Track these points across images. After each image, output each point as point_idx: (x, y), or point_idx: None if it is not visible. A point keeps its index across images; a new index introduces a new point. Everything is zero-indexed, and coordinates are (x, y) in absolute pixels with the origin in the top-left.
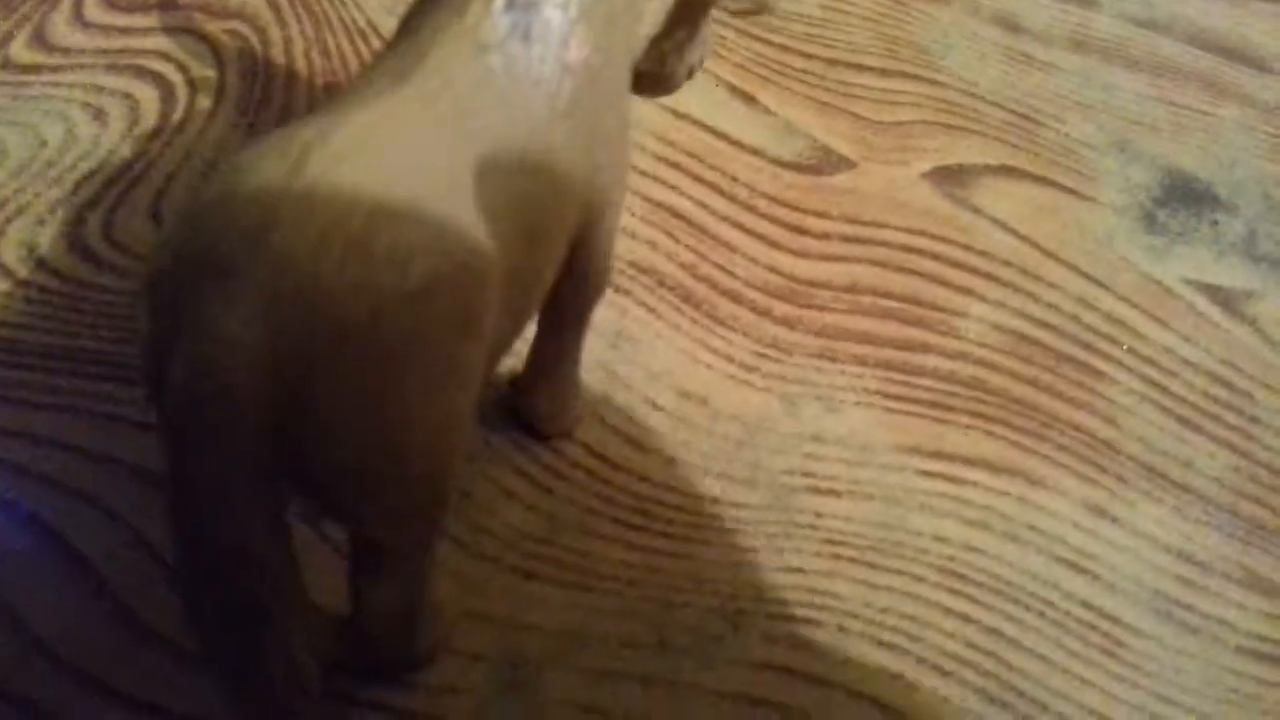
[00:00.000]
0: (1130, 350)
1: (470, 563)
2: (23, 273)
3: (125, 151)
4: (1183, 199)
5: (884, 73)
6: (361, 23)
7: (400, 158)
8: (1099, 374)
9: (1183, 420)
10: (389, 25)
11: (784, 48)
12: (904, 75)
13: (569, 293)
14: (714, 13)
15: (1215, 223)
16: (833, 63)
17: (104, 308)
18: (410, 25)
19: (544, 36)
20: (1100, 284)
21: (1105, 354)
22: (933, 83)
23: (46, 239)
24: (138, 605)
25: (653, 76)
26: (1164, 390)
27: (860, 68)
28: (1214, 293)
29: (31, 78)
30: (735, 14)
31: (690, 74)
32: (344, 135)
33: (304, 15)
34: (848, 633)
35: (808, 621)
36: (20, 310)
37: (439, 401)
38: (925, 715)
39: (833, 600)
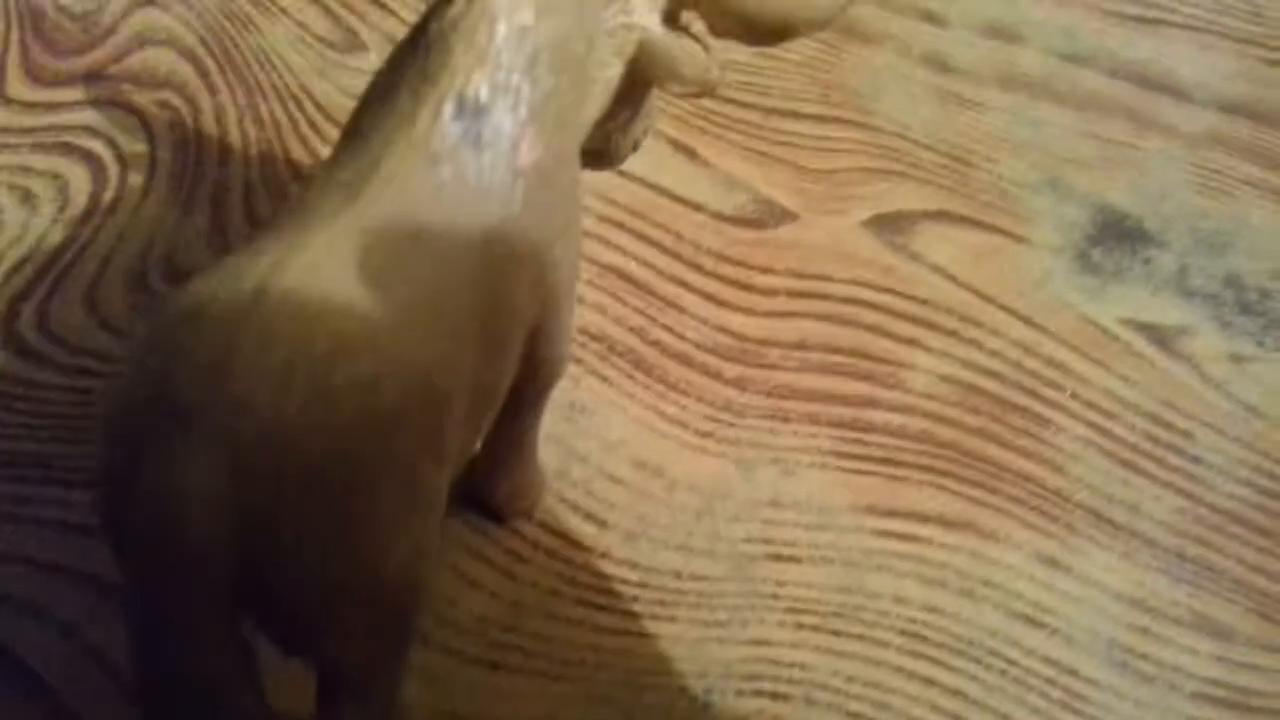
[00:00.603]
0: (1073, 395)
1: (436, 658)
2: None
3: (56, 237)
4: (1115, 236)
5: (820, 119)
6: (294, 87)
7: (357, 286)
8: (1044, 421)
9: (1127, 464)
10: (321, 89)
11: (721, 98)
12: (839, 121)
13: (526, 379)
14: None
15: (1147, 260)
16: (769, 111)
17: (43, 406)
18: (359, 129)
19: (495, 143)
20: (1040, 328)
21: (1049, 400)
22: (866, 127)
23: None
24: (89, 717)
25: (597, 153)
26: (1107, 434)
27: (796, 115)
28: (1150, 331)
29: None
30: (679, 96)
31: (635, 148)
32: (298, 266)
33: (235, 82)
34: (815, 704)
35: (775, 696)
36: None
37: (407, 528)
38: None
39: (799, 672)
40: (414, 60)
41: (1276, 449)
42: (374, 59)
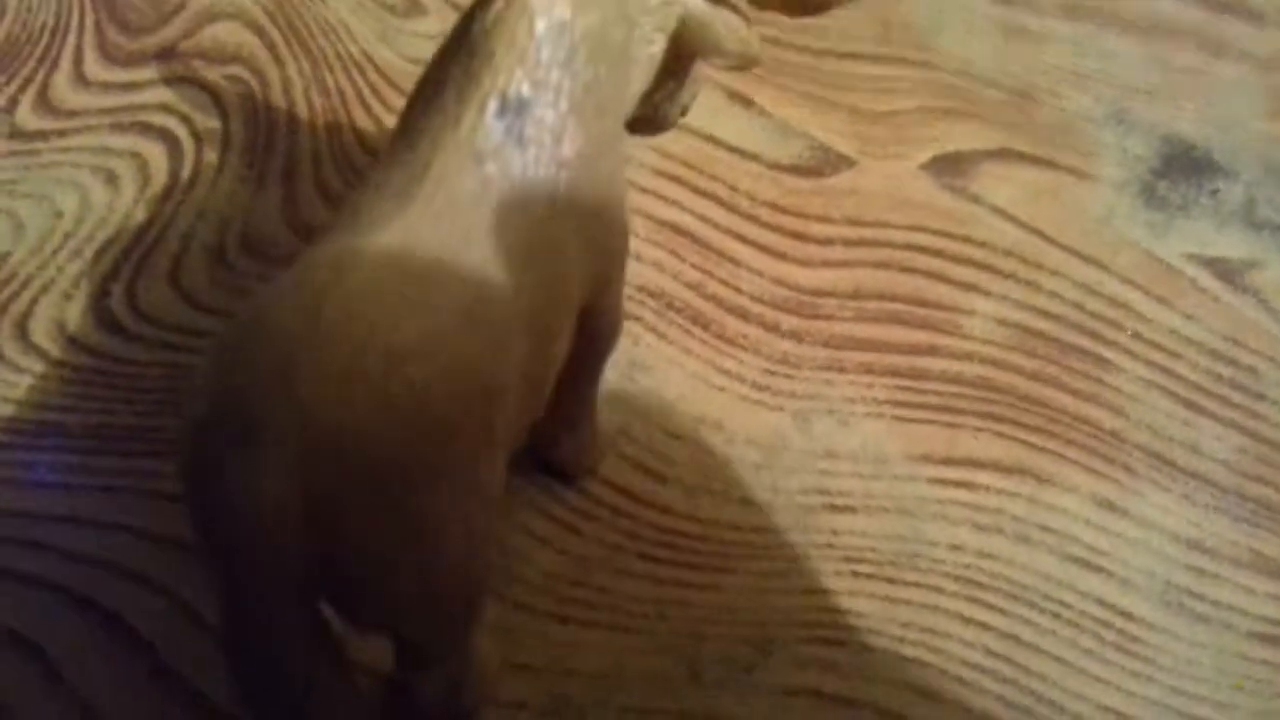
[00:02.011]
0: (1135, 335)
1: (507, 613)
2: (55, 352)
3: (139, 216)
4: (1182, 169)
5: (877, 59)
6: (357, 55)
7: (410, 294)
8: (1105, 362)
9: (1189, 404)
10: (382, 55)
11: (776, 41)
12: (898, 60)
13: (582, 351)
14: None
15: (1215, 191)
16: (827, 53)
17: (137, 381)
18: (408, 131)
19: (538, 137)
20: (1102, 267)
21: (1110, 341)
22: (926, 65)
23: (74, 315)
24: (195, 678)
25: (647, 120)
26: (1169, 374)
27: (854, 56)
28: (1216, 266)
29: (40, 145)
30: (721, 69)
31: (684, 113)
32: (354, 279)
33: (300, 53)
34: (871, 650)
35: (833, 643)
36: (57, 391)
37: (465, 518)
38: None
39: (855, 619)
40: (457, 60)
41: None
42: (433, 23)
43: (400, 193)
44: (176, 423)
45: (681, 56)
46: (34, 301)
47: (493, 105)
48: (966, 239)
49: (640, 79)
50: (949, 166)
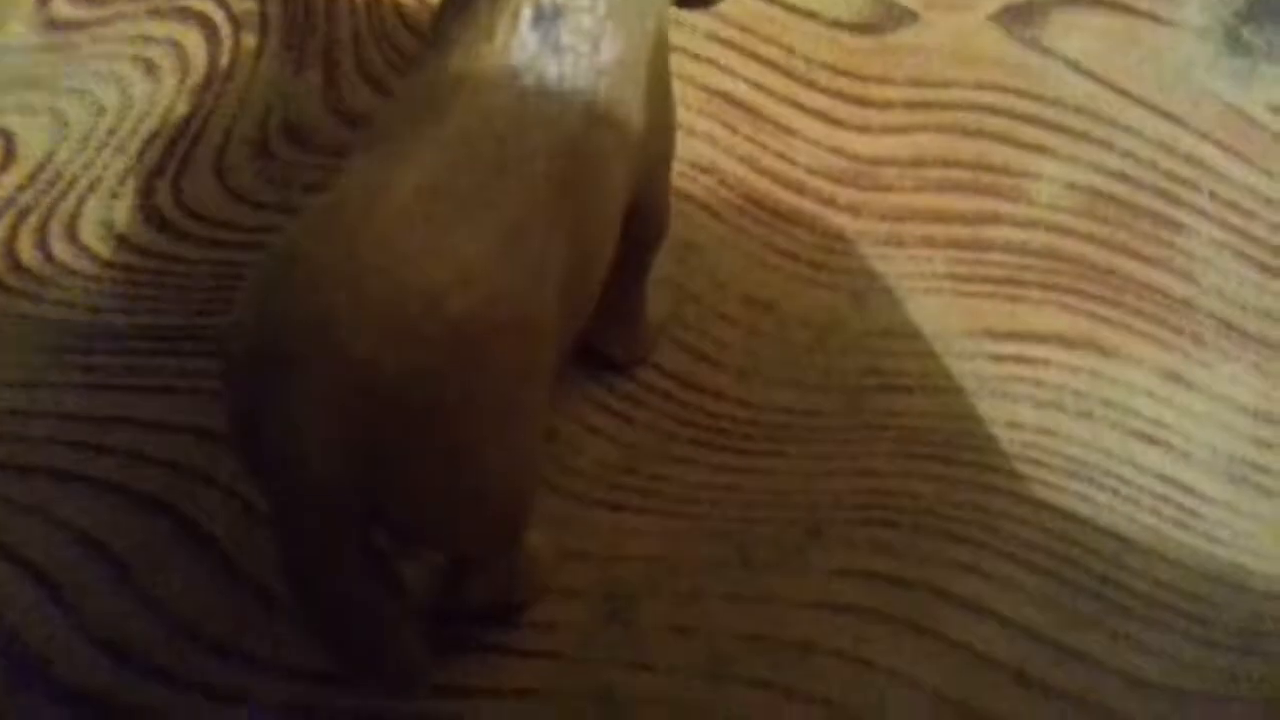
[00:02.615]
0: (1211, 194)
1: (561, 503)
2: (105, 253)
3: (181, 107)
4: (1269, 10)
5: None
6: None
7: (445, 224)
8: (1177, 225)
9: (1264, 267)
10: None
11: None
12: None
13: (629, 251)
14: None
15: None
16: None
17: (187, 280)
18: (440, 40)
19: (574, 45)
20: (1179, 122)
21: (1184, 202)
22: None
23: (122, 214)
24: (261, 574)
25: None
26: (1245, 235)
27: None
28: None
29: (77, 36)
30: None
31: None
32: (387, 212)
33: None
34: (923, 530)
35: (885, 524)
36: (110, 293)
37: (510, 446)
38: (1002, 604)
39: (908, 500)
40: None
41: None
42: None
43: (432, 111)
44: (218, 362)
45: None
46: (81, 201)
47: (527, 13)
48: (1037, 96)
49: None
50: (1019, 15)
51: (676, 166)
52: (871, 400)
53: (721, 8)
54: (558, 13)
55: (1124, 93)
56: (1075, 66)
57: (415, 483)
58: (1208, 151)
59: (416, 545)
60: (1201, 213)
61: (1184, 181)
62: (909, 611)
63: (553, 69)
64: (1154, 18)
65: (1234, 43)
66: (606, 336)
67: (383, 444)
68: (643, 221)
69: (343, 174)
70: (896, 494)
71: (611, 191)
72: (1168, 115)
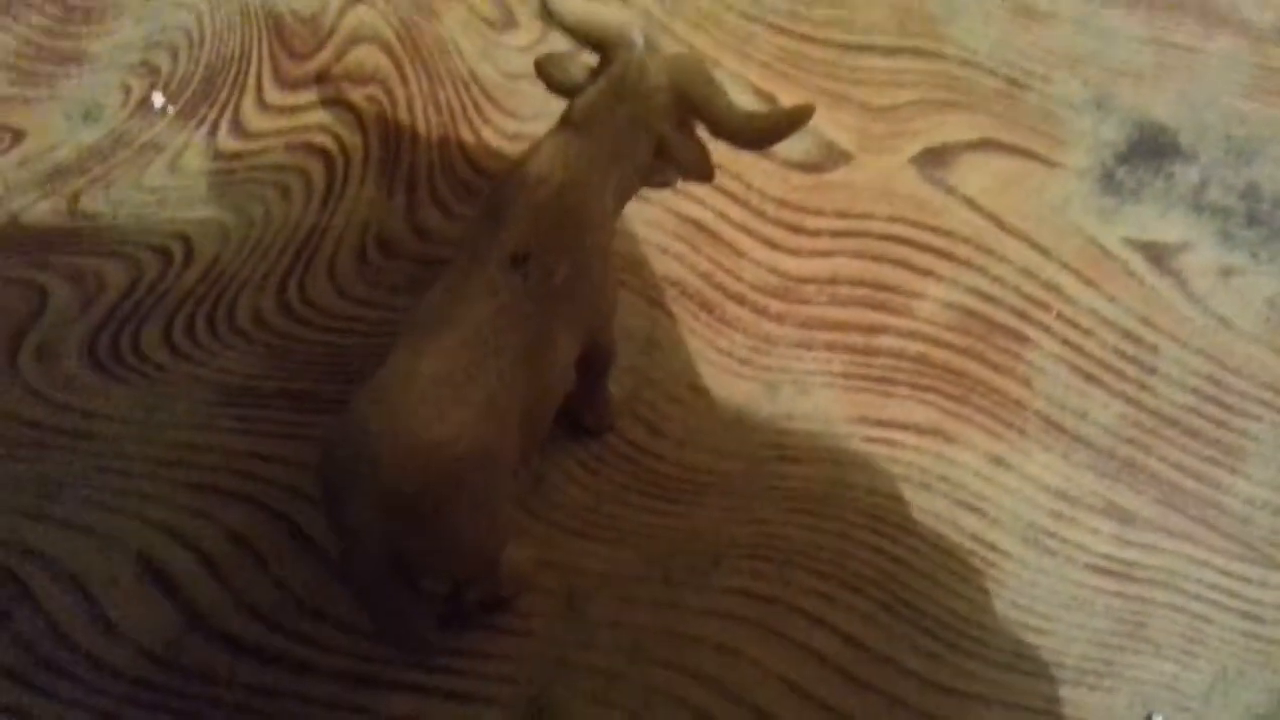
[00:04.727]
0: (1058, 315)
1: (544, 528)
2: (253, 333)
3: (306, 223)
4: (1145, 153)
5: (893, 51)
6: (464, 72)
7: (448, 399)
8: (1025, 340)
9: (1088, 376)
10: (484, 71)
11: (805, 37)
12: (910, 52)
13: (588, 369)
14: (746, 9)
15: (1170, 175)
16: (848, 47)
17: (309, 355)
18: (456, 259)
19: (539, 277)
20: (1045, 252)
21: (1035, 320)
22: (936, 55)
23: (266, 304)
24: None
25: (654, 186)
26: (1078, 350)
27: (871, 48)
28: (1149, 249)
29: (235, 165)
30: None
31: (675, 185)
32: (412, 393)
33: (420, 72)
34: (791, 565)
35: (765, 559)
36: (257, 364)
37: (481, 524)
38: (838, 620)
39: (783, 542)
40: (482, 225)
41: (1234, 358)
42: (524, 35)
43: (441, 320)
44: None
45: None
46: (237, 293)
47: (502, 260)
48: (934, 228)
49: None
50: (934, 159)
51: (651, 280)
52: (770, 467)
53: None
54: (525, 258)
55: (1006, 226)
56: (971, 203)
57: (424, 548)
58: (1065, 279)
59: (428, 578)
60: (1047, 330)
61: (1038, 303)
62: (772, 621)
63: (519, 289)
64: (1046, 160)
65: (1108, 182)
66: (581, 414)
67: (403, 528)
68: (595, 357)
69: (388, 356)
70: (776, 537)
71: (562, 354)
72: (1037, 246)
